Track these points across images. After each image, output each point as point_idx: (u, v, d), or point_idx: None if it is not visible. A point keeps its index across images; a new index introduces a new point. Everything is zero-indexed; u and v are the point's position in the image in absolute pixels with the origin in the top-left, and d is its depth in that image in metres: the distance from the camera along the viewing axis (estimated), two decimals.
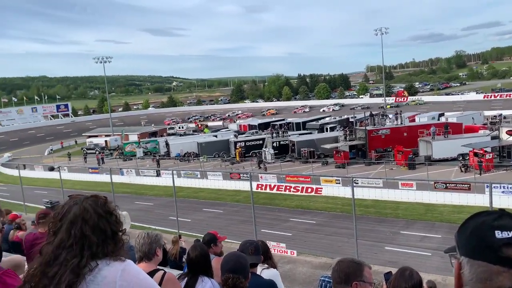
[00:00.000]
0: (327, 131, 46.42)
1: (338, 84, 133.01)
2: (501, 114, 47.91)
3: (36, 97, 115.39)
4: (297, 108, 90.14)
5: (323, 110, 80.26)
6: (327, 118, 57.74)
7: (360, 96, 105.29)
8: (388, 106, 75.00)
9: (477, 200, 19.24)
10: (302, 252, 15.26)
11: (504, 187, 20.87)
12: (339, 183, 26.81)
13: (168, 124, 75.40)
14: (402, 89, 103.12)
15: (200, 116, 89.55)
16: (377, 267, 11.12)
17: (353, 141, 37.88)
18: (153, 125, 75.44)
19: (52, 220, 1.57)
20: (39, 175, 38.38)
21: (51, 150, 61.69)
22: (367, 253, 16.27)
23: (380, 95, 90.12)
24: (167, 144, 47.68)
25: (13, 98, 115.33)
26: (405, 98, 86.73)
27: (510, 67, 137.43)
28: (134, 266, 1.61)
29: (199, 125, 72.64)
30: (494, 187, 16.43)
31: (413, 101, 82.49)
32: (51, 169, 37.31)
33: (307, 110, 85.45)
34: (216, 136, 50.34)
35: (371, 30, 74.29)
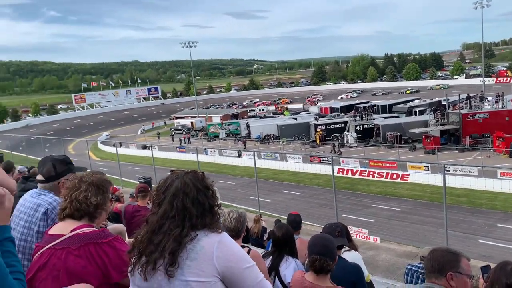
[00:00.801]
0: (415, 114, 43.61)
1: (429, 64, 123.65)
2: None
3: (129, 81, 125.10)
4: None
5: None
6: (416, 101, 54.26)
7: (454, 77, 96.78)
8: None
9: None
10: (386, 239, 14.66)
11: None
12: (428, 170, 25.14)
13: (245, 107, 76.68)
14: (504, 69, 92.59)
15: (277, 100, 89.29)
16: (476, 262, 10.41)
17: (445, 125, 35.08)
18: (234, 107, 77.38)
19: (156, 192, 1.69)
20: (133, 153, 41.74)
21: (143, 130, 66.68)
22: (458, 245, 15.10)
23: (478, 76, 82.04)
24: (248, 126, 48.65)
25: (110, 82, 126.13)
26: (508, 79, 77.87)
27: None
28: (229, 238, 1.67)
29: (279, 108, 72.84)
30: None
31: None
32: (144, 147, 40.31)
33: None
34: (296, 119, 50.11)
35: (469, 3, 66.93)
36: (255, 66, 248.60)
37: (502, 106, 36.28)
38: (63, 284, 1.79)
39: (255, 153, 21.39)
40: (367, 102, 59.57)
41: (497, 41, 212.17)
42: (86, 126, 74.14)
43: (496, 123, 32.52)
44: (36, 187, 2.77)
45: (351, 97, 79.82)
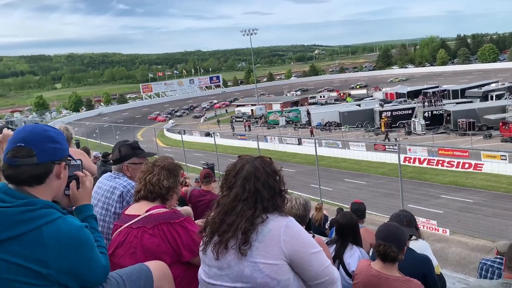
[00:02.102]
0: (492, 99, 40.31)
1: (509, 44, 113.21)
2: None
3: (192, 70, 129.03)
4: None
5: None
6: (492, 85, 50.09)
7: None
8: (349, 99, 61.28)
9: None
10: (456, 232, 13.82)
11: None
12: (505, 159, 23.17)
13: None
14: None
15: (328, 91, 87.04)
16: None
17: None
18: (294, 94, 76.83)
19: (226, 176, 1.76)
20: (196, 140, 43.17)
21: (206, 118, 68.66)
22: None
23: None
24: (308, 113, 48.07)
25: (175, 71, 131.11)
26: None
27: None
28: (296, 223, 1.70)
29: (342, 94, 71.11)
30: None
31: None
32: (207, 134, 41.48)
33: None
34: (359, 105, 48.59)
35: None
36: (316, 52, 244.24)
37: None
38: (140, 260, 1.91)
39: (316, 141, 21.15)
40: (437, 86, 56.15)
41: None
42: (153, 114, 77.88)
43: None
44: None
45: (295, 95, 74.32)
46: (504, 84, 48.80)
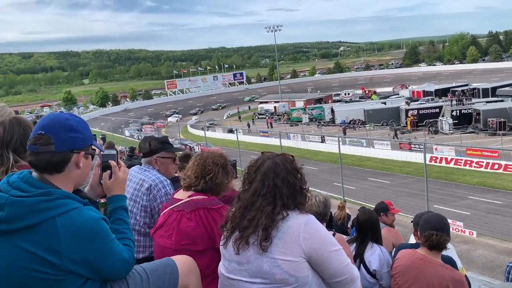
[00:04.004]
0: None
1: None
2: None
3: (216, 67, 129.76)
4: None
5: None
6: None
7: None
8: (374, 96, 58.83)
9: None
10: (483, 234, 13.44)
11: None
12: None
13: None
14: None
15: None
16: None
17: None
18: (319, 91, 76.24)
19: (247, 171, 1.78)
20: (219, 136, 43.52)
21: (229, 114, 69.02)
22: None
23: None
24: (332, 111, 47.61)
25: (199, 68, 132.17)
26: None
27: None
28: (316, 221, 1.70)
29: (367, 92, 70.03)
30: None
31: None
32: (230, 131, 41.74)
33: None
34: (385, 103, 47.72)
35: None
36: (341, 49, 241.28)
37: None
38: (175, 242, 2.07)
39: (340, 139, 20.93)
40: (466, 85, 54.55)
41: None
42: (178, 110, 78.90)
43: None
44: (139, 164, 3.06)
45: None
46: None
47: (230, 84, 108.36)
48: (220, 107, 75.07)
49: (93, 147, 1.62)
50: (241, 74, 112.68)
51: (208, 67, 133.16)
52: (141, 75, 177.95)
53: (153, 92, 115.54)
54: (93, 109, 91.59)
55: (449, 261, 3.13)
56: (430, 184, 18.77)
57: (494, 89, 46.53)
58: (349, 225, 7.49)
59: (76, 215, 1.41)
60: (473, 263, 10.90)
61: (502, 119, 32.77)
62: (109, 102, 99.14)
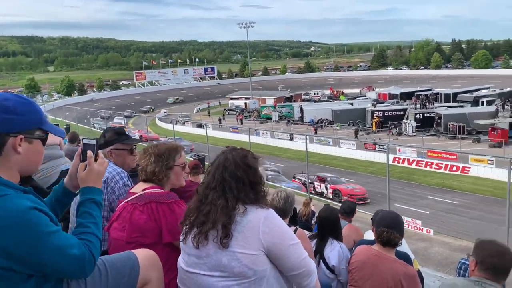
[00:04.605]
0: (482, 104, 40.79)
1: (503, 52, 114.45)
2: None
3: (187, 60, 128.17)
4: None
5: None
6: (484, 91, 50.63)
7: None
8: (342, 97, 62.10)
9: None
10: (440, 232, 14.06)
11: None
12: (492, 164, 23.57)
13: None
14: None
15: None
16: None
17: None
18: (289, 90, 76.89)
19: (208, 166, 1.82)
20: (188, 130, 43.07)
21: (199, 109, 68.36)
22: None
23: None
24: (301, 110, 48.19)
25: (169, 60, 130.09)
26: None
27: None
28: (276, 215, 1.72)
29: (335, 92, 71.29)
30: None
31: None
32: (199, 126, 41.36)
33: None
34: (352, 104, 48.82)
35: None
36: (312, 49, 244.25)
37: None
38: (127, 235, 2.07)
39: (307, 137, 21.24)
40: (430, 89, 56.61)
41: None
42: (146, 102, 77.40)
43: None
44: None
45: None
46: (495, 90, 49.37)
47: (201, 78, 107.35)
48: (151, 109, 71.55)
49: (45, 132, 1.49)
50: (212, 69, 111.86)
51: (179, 60, 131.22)
52: (109, 65, 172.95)
53: (121, 83, 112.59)
54: (58, 97, 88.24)
55: (404, 256, 3.22)
56: (393, 184, 19.38)
57: (455, 94, 48.49)
58: (313, 222, 7.64)
59: (2, 203, 1.30)
60: (429, 259, 11.35)
61: (462, 124, 34.26)
62: (75, 91, 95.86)
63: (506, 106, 35.23)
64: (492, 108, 37.12)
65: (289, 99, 63.20)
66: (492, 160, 23.79)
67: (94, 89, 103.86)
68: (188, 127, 44.88)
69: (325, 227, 3.52)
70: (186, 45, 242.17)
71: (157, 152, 2.27)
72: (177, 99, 77.57)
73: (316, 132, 39.84)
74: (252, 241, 1.61)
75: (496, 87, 55.19)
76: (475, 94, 47.16)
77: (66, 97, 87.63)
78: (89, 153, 1.63)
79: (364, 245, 2.92)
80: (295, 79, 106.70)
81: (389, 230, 2.68)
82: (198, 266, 1.69)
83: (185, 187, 5.90)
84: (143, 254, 1.76)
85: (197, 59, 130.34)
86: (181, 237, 1.77)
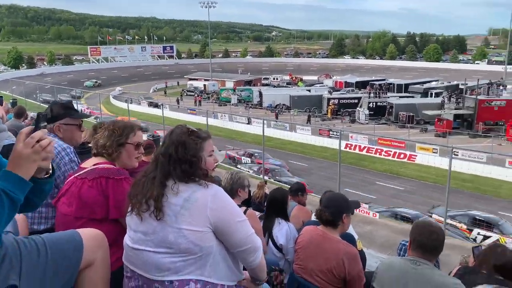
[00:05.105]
0: (431, 96, 42.86)
1: (452, 47, 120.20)
2: None
3: (145, 37, 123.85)
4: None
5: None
6: (433, 83, 53.10)
7: (476, 62, 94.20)
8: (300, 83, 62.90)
9: None
10: (385, 216, 14.85)
11: None
12: (436, 153, 25.02)
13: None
14: None
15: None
16: (466, 242, 11.01)
17: (459, 109, 34.59)
18: (249, 74, 76.65)
19: None
20: (143, 110, 41.98)
21: (156, 88, 66.66)
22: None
23: (501, 62, 79.68)
24: (260, 94, 48.36)
25: (127, 37, 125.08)
26: None
27: None
28: (224, 193, 1.77)
29: (294, 78, 71.97)
30: None
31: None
32: (155, 105, 40.42)
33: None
34: (309, 90, 49.52)
35: None
36: (273, 33, 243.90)
37: None
38: (75, 210, 2.05)
39: (264, 121, 21.46)
40: (384, 79, 58.55)
41: None
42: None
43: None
44: None
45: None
46: (443, 83, 51.88)
47: (159, 57, 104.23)
48: (97, 83, 68.03)
49: None
50: (171, 48, 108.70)
51: (137, 37, 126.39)
52: (62, 38, 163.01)
53: (74, 58, 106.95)
54: (4, 70, 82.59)
55: (347, 237, 3.44)
56: (344, 169, 20.12)
57: (407, 85, 50.44)
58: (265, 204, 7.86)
59: None
60: (374, 242, 11.97)
61: (411, 113, 35.87)
62: (23, 64, 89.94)
63: (452, 99, 37.09)
64: (439, 99, 39.10)
65: (249, 82, 63.01)
66: (437, 149, 25.25)
67: (44, 62, 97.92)
68: (144, 107, 43.74)
69: (274, 208, 3.62)
70: (145, 21, 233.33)
71: (112, 127, 2.26)
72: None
73: (277, 117, 40.25)
74: (199, 218, 1.65)
75: (444, 80, 57.95)
76: (425, 86, 49.33)
77: (14, 69, 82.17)
78: (24, 130, 1.39)
79: (311, 226, 2.97)
80: (255, 63, 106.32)
81: (325, 209, 2.76)
82: (144, 243, 1.70)
83: (137, 167, 5.92)
84: (88, 234, 1.72)
85: (155, 37, 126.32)
86: (128, 213, 1.79)
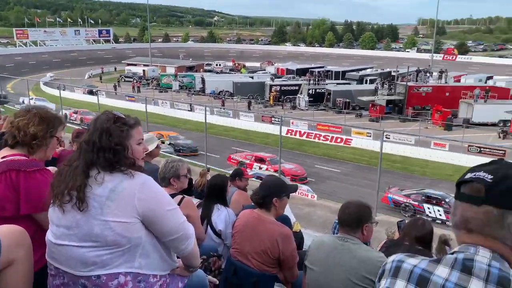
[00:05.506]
0: (366, 83, 44.97)
1: (386, 35, 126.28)
2: None
3: (79, 20, 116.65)
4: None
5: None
6: (368, 70, 55.64)
7: (407, 50, 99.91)
8: (243, 70, 62.88)
9: None
10: (323, 198, 15.60)
11: None
12: (370, 136, 26.55)
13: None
14: (452, 47, 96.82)
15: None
16: (394, 218, 11.56)
17: (391, 95, 36.75)
18: (191, 59, 75.29)
19: None
20: (78, 97, 39.88)
21: (91, 74, 63.35)
22: (388, 204, 16.74)
23: (428, 51, 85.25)
24: (203, 81, 47.83)
25: (58, 19, 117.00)
26: (454, 57, 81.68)
27: None
28: (153, 182, 1.71)
29: (236, 64, 71.86)
30: None
31: None
32: (90, 92, 38.54)
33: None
34: (252, 77, 49.75)
35: None
36: (215, 18, 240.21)
37: (445, 82, 38.52)
38: None
39: (207, 109, 21.40)
40: (322, 67, 60.27)
41: (450, 19, 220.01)
42: (28, 64, 69.02)
43: (437, 97, 34.56)
44: None
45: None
46: (377, 70, 54.54)
47: (94, 41, 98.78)
48: None
49: None
50: (108, 32, 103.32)
51: (69, 20, 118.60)
52: None
53: None
54: None
55: (282, 218, 3.45)
56: (286, 154, 20.79)
57: (344, 72, 52.36)
58: None
59: None
60: (312, 222, 12.60)
61: (347, 100, 37.48)
62: None
63: (385, 85, 39.23)
64: (373, 86, 41.18)
65: (190, 68, 61.91)
66: (370, 133, 26.77)
67: None
68: (78, 94, 41.52)
69: (212, 194, 3.66)
70: (78, 3, 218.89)
71: (43, 114, 2.05)
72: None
73: (223, 104, 40.15)
74: (126, 209, 1.59)
75: (378, 67, 60.90)
76: (361, 73, 51.48)
77: None
78: None
79: (248, 210, 2.99)
80: (197, 48, 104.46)
81: (254, 192, 2.86)
82: (68, 237, 1.62)
83: (66, 156, 5.73)
84: (6, 231, 1.58)
85: (90, 20, 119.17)
86: (51, 206, 1.69)
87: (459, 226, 1.11)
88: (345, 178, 21.55)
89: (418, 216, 10.56)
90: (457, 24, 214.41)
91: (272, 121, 30.58)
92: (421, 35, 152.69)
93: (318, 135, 28.61)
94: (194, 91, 47.59)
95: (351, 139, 27.36)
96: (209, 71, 62.72)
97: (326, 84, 41.96)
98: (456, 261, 1.07)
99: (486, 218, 1.05)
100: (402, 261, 1.16)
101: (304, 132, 29.11)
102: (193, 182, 7.04)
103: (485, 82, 43.03)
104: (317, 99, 39.94)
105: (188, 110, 35.87)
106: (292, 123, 29.72)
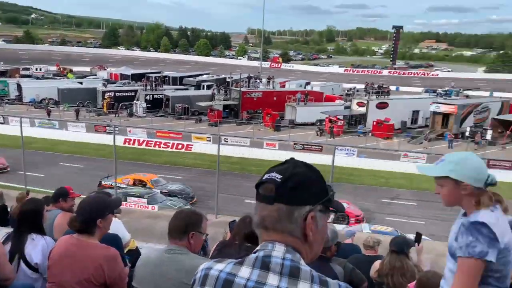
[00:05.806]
0: (203, 88, 46.32)
1: (219, 42, 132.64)
2: (355, 87, 53.07)
3: None
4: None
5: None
6: (204, 76, 57.44)
7: (239, 58, 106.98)
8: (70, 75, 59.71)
9: (327, 160, 21.67)
10: (164, 207, 15.35)
11: (347, 149, 24.26)
12: (210, 141, 27.41)
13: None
14: (277, 55, 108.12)
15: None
16: (236, 217, 12.00)
17: (227, 100, 38.71)
18: (2, 63, 65.02)
19: None
20: None
21: None
22: (228, 205, 17.10)
23: (257, 59, 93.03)
24: (19, 87, 41.74)
25: None
26: (279, 65, 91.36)
27: (368, 46, 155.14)
28: None
29: (62, 69, 65.12)
30: (339, 149, 18.77)
31: None
32: None
33: None
34: (81, 83, 45.92)
35: None
36: (33, 16, 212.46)
37: (272, 87, 42.72)
38: None
39: (25, 119, 18.70)
40: (159, 72, 59.65)
41: (274, 30, 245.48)
42: None
43: (267, 101, 38.04)
44: None
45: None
46: (213, 76, 56.81)
47: None
48: None
49: None
50: None
51: None
52: None
53: None
54: None
55: (110, 238, 3.17)
56: (125, 165, 19.76)
57: (181, 78, 53.14)
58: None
59: None
60: (154, 234, 12.14)
61: (186, 105, 37.99)
62: None
63: (221, 91, 41.10)
64: (210, 92, 42.71)
65: (3, 73, 53.56)
66: (210, 138, 27.68)
67: None
68: None
69: (24, 222, 3.21)
70: None
71: None
72: None
73: (49, 115, 35.48)
74: None
75: (214, 73, 63.48)
76: (198, 78, 52.97)
77: None
78: None
79: (66, 235, 2.77)
80: (11, 49, 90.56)
81: (72, 217, 2.67)
82: None
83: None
84: None
85: None
86: None
87: (258, 225, 1.19)
88: (190, 184, 21.61)
89: (246, 214, 11.33)
90: (280, 35, 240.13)
91: (107, 130, 28.72)
92: (251, 44, 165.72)
93: (158, 143, 28.14)
94: (8, 99, 41.20)
95: (192, 145, 27.77)
96: (28, 76, 55.45)
97: (164, 90, 41.65)
98: (257, 259, 1.13)
99: (278, 215, 1.14)
100: (210, 268, 1.19)
101: (144, 141, 28.23)
102: (8, 210, 6.04)
103: (305, 87, 49.33)
104: (155, 105, 39.27)
105: (1, 123, 30.80)
106: (130, 131, 28.47)
